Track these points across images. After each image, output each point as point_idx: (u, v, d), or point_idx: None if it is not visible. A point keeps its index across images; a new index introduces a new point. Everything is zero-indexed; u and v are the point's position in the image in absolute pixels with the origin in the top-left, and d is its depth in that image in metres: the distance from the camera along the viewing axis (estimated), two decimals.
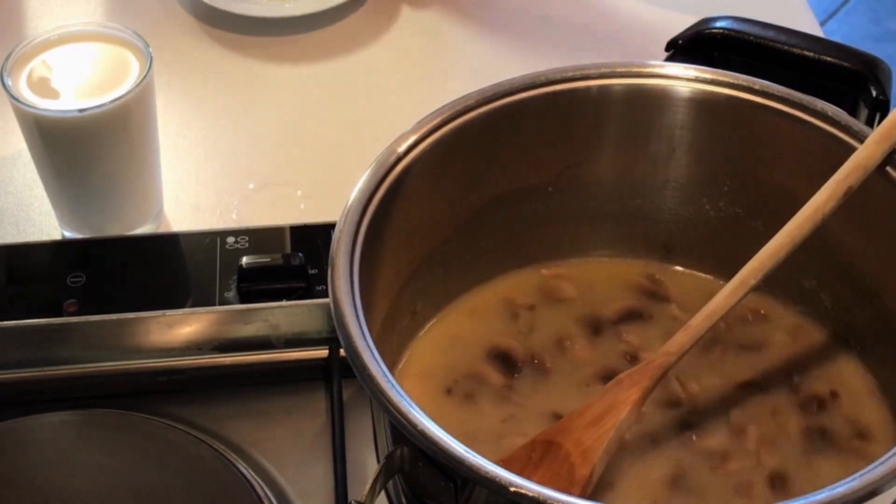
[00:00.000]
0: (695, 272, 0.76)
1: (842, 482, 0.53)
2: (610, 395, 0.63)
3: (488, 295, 0.75)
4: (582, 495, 0.60)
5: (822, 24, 2.18)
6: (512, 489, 0.52)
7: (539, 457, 0.62)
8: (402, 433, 0.55)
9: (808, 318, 0.73)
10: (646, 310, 0.74)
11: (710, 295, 0.66)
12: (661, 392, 0.67)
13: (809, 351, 0.72)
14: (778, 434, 0.67)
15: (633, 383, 0.63)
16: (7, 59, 0.80)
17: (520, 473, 0.53)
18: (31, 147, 0.82)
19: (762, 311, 0.73)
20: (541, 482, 0.54)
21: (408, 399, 0.55)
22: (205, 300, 0.76)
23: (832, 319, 0.72)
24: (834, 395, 0.69)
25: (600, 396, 0.64)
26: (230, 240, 0.79)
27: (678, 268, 0.76)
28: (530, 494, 0.52)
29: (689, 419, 0.68)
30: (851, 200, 0.65)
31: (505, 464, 0.54)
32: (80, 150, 0.80)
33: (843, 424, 0.68)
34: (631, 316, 0.73)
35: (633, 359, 0.71)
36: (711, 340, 0.71)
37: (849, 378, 0.70)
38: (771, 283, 0.73)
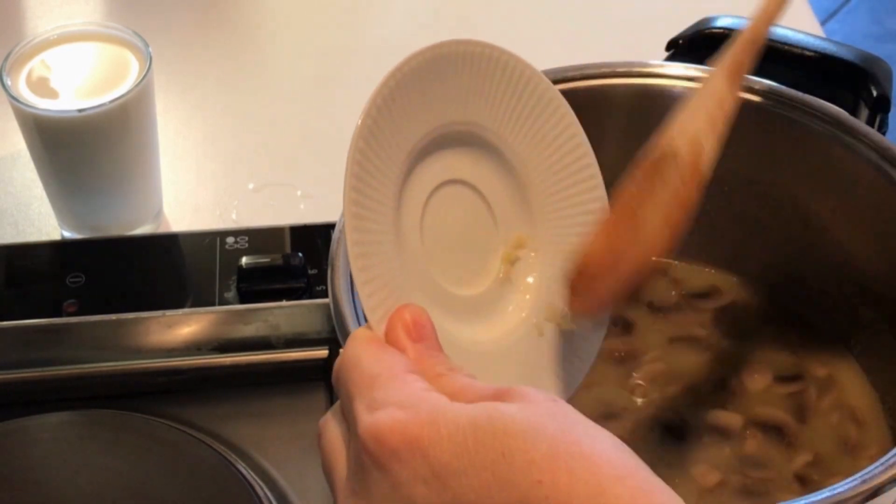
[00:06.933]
0: (697, 267, 0.76)
1: (842, 482, 0.53)
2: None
3: None
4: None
5: (823, 23, 2.18)
6: None
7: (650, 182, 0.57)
8: None
9: (808, 318, 0.73)
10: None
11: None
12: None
13: (809, 351, 0.72)
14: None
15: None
16: (6, 58, 0.80)
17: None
18: (31, 147, 0.82)
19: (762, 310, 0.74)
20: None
21: None
22: (205, 300, 0.76)
23: (832, 319, 0.72)
24: (831, 394, 0.70)
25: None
26: (230, 240, 0.79)
27: (679, 264, 0.76)
28: None
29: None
30: (852, 201, 0.64)
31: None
32: (79, 150, 0.80)
33: (838, 422, 0.68)
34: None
35: (629, 354, 0.71)
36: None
37: (847, 378, 0.70)
38: (771, 283, 0.73)
